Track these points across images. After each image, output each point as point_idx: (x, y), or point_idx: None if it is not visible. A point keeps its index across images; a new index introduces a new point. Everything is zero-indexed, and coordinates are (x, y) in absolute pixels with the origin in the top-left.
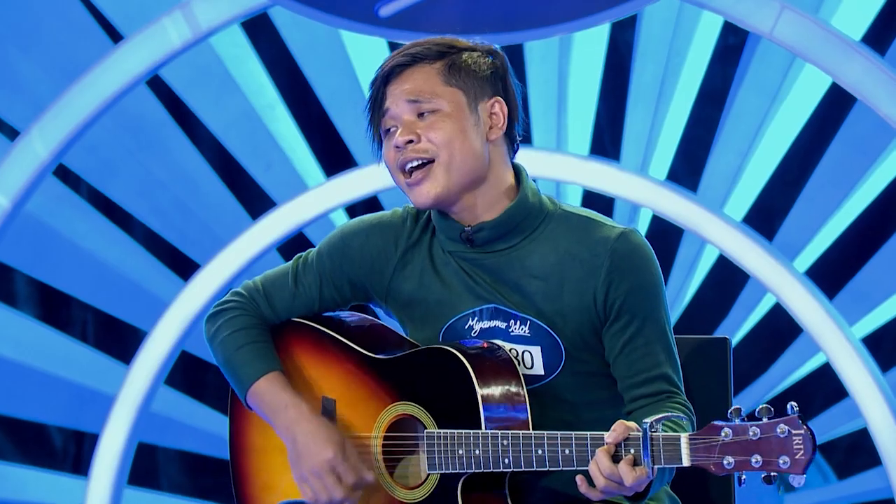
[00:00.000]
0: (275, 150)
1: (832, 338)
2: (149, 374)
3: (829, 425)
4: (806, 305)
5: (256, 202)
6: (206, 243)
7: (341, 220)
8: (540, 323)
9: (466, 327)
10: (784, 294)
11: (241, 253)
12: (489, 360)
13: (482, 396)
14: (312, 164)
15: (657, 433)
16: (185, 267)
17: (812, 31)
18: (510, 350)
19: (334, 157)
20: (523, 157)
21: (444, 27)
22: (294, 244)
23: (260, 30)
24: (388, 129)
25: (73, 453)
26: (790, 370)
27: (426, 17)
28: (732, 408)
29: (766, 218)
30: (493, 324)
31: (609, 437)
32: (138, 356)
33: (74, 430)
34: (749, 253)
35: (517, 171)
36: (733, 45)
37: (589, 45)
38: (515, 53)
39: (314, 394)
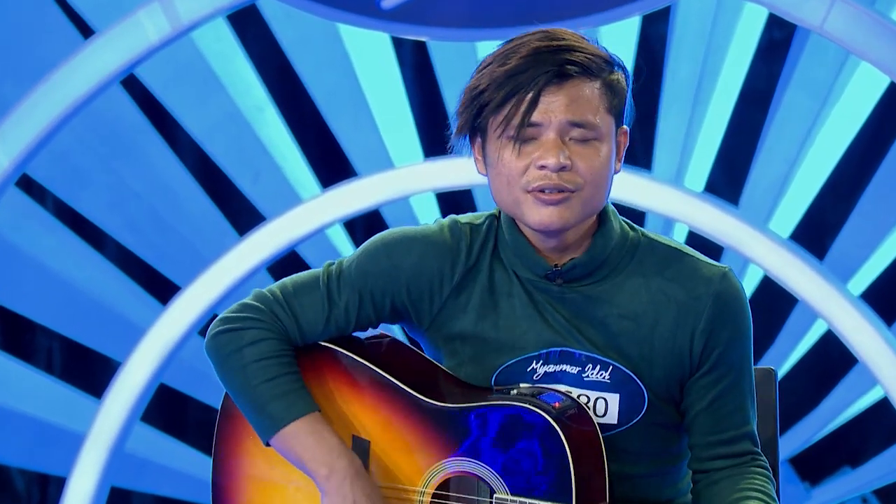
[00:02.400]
0: (264, 157)
1: (890, 369)
2: (123, 409)
3: (886, 468)
4: (861, 333)
5: (243, 216)
6: (187, 262)
7: (338, 236)
8: (624, 368)
9: (528, 370)
10: (837, 320)
11: (226, 273)
12: (575, 425)
13: (575, 473)
14: (306, 174)
15: None
16: (163, 289)
17: (868, 25)
18: (579, 396)
19: (331, 166)
20: None
21: (454, 20)
22: (286, 264)
23: (247, 23)
24: (525, 138)
25: (38, 499)
26: (844, 405)
27: (434, 8)
28: None
29: (816, 234)
30: (560, 368)
31: None
32: (111, 390)
33: (39, 473)
34: (797, 274)
35: None
36: (779, 39)
37: (616, 40)
38: None
39: (341, 431)
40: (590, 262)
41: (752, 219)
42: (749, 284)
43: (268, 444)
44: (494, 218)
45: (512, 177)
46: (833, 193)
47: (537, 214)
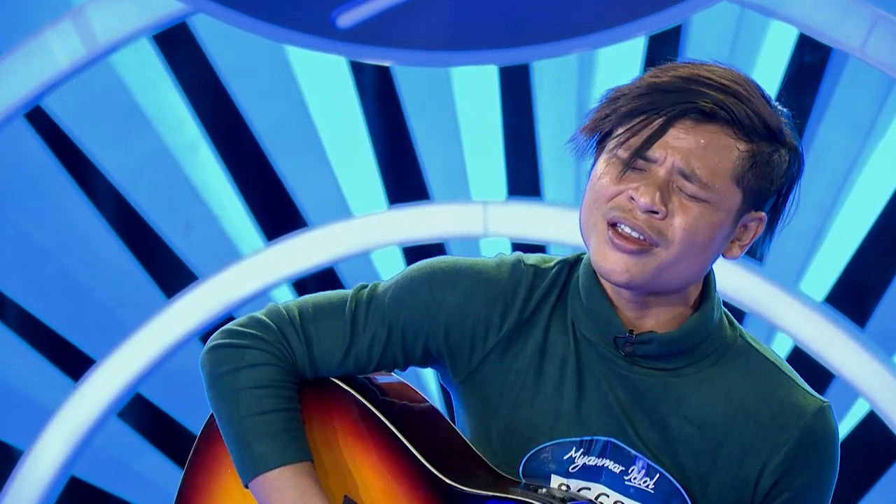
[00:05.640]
0: (197, 205)
1: None
2: None
3: None
4: None
5: (172, 275)
6: (104, 331)
7: (286, 298)
8: (673, 480)
9: (566, 458)
10: (881, 399)
11: (150, 344)
12: None
13: None
14: (248, 225)
15: None
16: (75, 363)
17: None
18: None
19: (277, 216)
20: (531, 213)
21: (427, 41)
22: None
23: (177, 45)
24: (635, 166)
25: None
26: (890, 501)
27: (402, 28)
28: None
29: (855, 298)
30: (603, 462)
31: None
32: (12, 483)
33: None
34: (834, 344)
35: (706, 276)
36: (811, 64)
37: (618, 65)
38: (520, 76)
39: (335, 486)
40: (672, 343)
41: (780, 279)
42: None
43: (246, 486)
44: (567, 264)
45: (599, 199)
46: (875, 248)
47: (602, 256)
